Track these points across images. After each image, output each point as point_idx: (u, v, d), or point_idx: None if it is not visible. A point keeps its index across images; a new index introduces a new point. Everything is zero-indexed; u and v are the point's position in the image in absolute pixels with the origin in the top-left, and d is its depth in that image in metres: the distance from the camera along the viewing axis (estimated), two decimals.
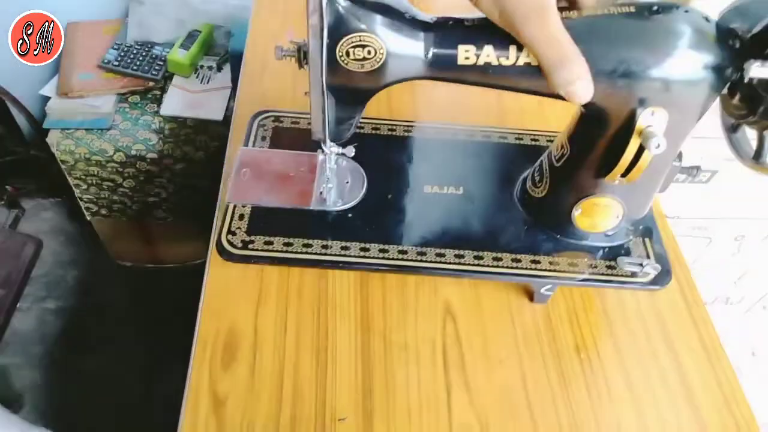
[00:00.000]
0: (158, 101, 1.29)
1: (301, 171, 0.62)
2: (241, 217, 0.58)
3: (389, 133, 0.68)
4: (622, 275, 0.58)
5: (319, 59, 0.45)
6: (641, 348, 0.60)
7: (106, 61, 1.28)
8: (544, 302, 0.62)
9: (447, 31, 0.46)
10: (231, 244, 0.56)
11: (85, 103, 1.26)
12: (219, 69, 1.34)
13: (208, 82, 1.32)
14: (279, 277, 0.61)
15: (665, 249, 0.62)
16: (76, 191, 1.31)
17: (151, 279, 1.55)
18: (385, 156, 0.65)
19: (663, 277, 0.58)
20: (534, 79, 0.45)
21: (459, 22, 0.46)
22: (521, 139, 0.69)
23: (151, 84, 1.29)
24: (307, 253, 0.57)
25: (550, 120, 0.77)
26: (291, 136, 0.66)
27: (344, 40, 0.44)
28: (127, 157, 1.24)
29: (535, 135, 0.69)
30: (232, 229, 0.57)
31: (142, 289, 1.54)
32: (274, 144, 0.65)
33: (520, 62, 0.45)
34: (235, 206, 0.59)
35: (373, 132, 0.68)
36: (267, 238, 0.57)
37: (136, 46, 1.32)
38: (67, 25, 1.37)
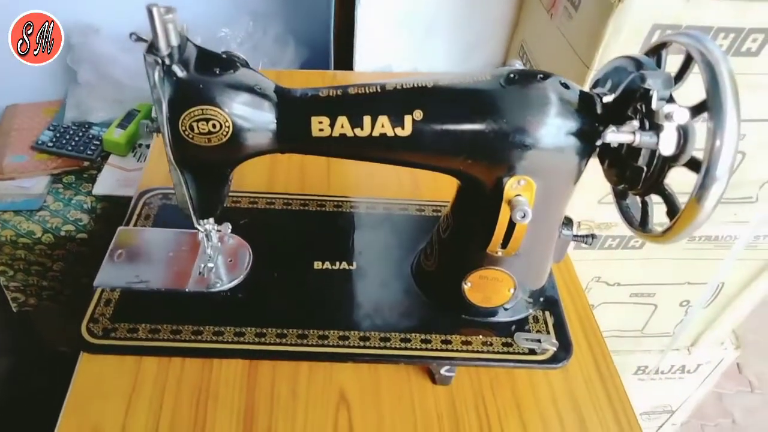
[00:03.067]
0: (93, 181, 1.27)
1: (182, 250, 0.58)
2: (108, 302, 0.54)
3: (285, 207, 0.65)
4: (519, 353, 0.54)
5: (165, 134, 0.43)
6: None
7: (40, 142, 1.27)
8: (448, 384, 0.57)
9: (298, 102, 0.44)
10: (91, 333, 0.52)
11: (16, 184, 1.23)
12: None
13: (145, 160, 1.30)
14: (158, 369, 0.56)
15: (574, 320, 0.58)
16: (2, 278, 1.25)
17: None
18: (277, 232, 0.62)
19: (563, 354, 0.54)
20: (389, 150, 0.43)
21: (314, 92, 0.45)
22: (423, 210, 0.67)
23: (86, 164, 1.27)
24: (175, 340, 0.52)
25: None
26: (178, 215, 0.62)
27: (186, 113, 0.42)
28: (55, 238, 1.20)
29: (437, 206, 0.67)
30: (95, 316, 0.53)
31: None
32: (159, 223, 0.62)
33: (375, 133, 0.43)
34: (103, 291, 0.55)
35: (267, 207, 0.65)
36: (132, 325, 0.52)
37: (73, 127, 1.31)
38: (5, 108, 1.36)
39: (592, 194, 0.87)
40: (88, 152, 1.27)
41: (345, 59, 1.10)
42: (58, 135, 1.29)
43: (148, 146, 1.32)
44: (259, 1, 1.30)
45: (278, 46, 1.28)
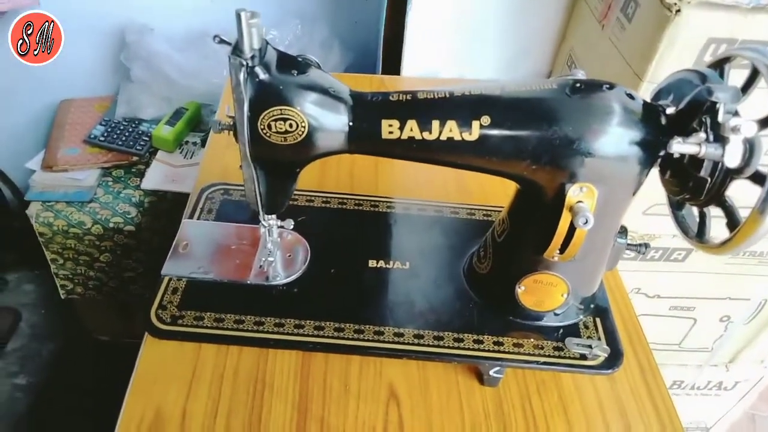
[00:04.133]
0: (141, 175, 1.31)
1: (243, 244, 0.60)
2: (175, 291, 0.57)
3: (340, 206, 0.67)
4: (570, 357, 0.55)
5: (243, 132, 0.46)
6: None
7: (92, 136, 1.32)
8: (495, 385, 0.58)
9: (370, 105, 0.46)
10: (159, 319, 0.54)
11: (69, 176, 1.27)
12: (203, 144, 1.36)
13: (191, 157, 1.34)
14: (216, 356, 0.59)
15: (621, 330, 0.59)
16: (53, 266, 1.30)
17: (128, 354, 1.51)
18: (333, 230, 0.64)
19: (613, 361, 0.55)
20: (455, 154, 0.45)
21: (385, 96, 0.47)
22: (473, 214, 0.68)
23: (135, 159, 1.32)
24: (238, 329, 0.54)
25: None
26: (239, 209, 0.65)
27: (265, 113, 0.44)
28: (104, 230, 1.24)
29: (487, 210, 0.68)
30: (164, 303, 0.56)
31: (117, 365, 1.50)
32: (221, 217, 0.64)
33: (443, 137, 0.45)
34: (170, 280, 0.58)
35: (323, 205, 0.67)
36: (198, 314, 0.55)
37: (124, 122, 1.35)
38: (60, 102, 1.41)
39: (636, 205, 0.87)
40: (137, 147, 1.32)
41: (391, 64, 1.12)
42: (109, 130, 1.33)
43: (194, 143, 1.36)
44: (307, 6, 1.33)
45: (324, 50, 1.31)
